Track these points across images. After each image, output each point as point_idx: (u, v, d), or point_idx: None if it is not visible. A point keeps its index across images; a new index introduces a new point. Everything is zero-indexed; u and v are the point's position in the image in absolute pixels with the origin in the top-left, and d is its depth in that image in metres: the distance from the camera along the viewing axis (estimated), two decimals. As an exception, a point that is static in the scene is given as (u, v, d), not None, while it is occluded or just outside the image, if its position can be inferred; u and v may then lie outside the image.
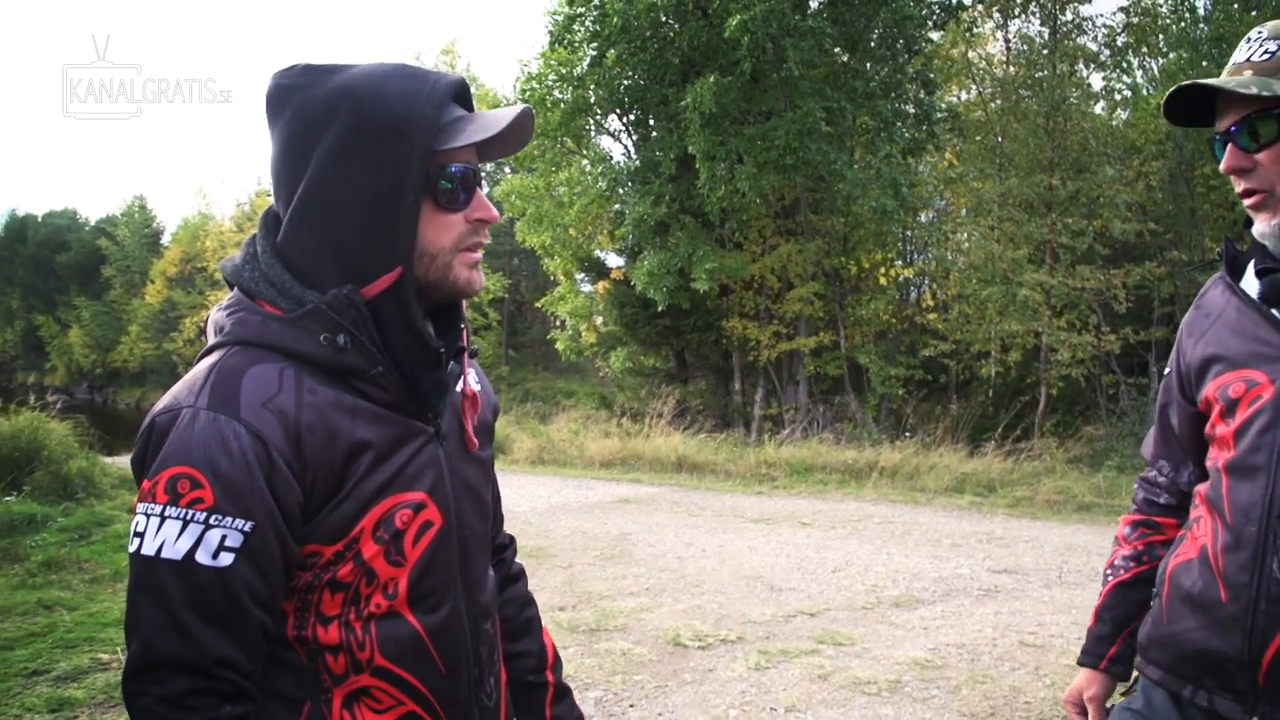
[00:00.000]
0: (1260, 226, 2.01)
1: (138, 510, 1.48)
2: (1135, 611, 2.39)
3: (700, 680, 6.25)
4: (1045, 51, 20.31)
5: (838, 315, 21.51)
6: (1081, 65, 20.73)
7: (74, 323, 64.03)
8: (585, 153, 23.27)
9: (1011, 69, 21.42)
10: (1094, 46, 20.67)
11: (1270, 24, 1.98)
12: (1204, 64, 18.34)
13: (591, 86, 20.89)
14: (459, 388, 1.78)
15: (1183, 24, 20.30)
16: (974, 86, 23.27)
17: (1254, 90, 1.89)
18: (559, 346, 27.46)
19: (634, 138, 23.34)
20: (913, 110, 20.41)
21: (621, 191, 21.73)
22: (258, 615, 1.50)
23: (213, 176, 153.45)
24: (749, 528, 11.74)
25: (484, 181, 1.70)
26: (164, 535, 1.44)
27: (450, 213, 1.62)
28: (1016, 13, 21.01)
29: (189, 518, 1.44)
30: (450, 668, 1.70)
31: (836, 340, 21.49)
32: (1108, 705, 2.43)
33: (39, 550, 9.08)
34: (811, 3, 19.45)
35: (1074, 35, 20.49)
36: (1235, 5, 19.14)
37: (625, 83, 21.07)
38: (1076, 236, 18.06)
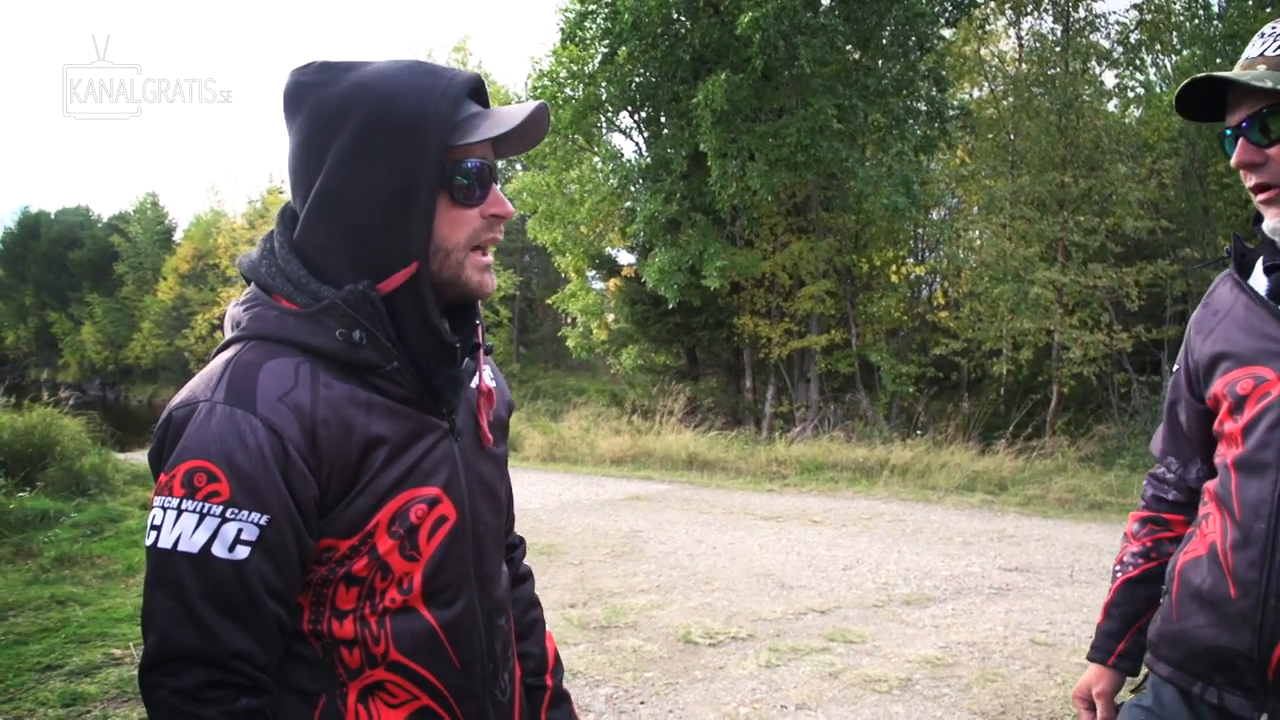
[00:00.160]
0: (1270, 222, 2.00)
1: (154, 504, 1.49)
2: (1144, 608, 2.39)
3: (711, 677, 6.26)
4: (1058, 49, 20.24)
5: (849, 313, 21.48)
6: (1094, 62, 20.66)
7: (86, 319, 64.10)
8: (596, 150, 23.24)
9: (1024, 66, 21.34)
10: (1107, 44, 20.62)
11: None
12: (1217, 61, 18.24)
13: (603, 84, 20.87)
14: (474, 384, 1.79)
15: (1196, 21, 20.22)
16: (986, 84, 23.18)
17: (1268, 84, 1.89)
18: (570, 344, 27.46)
19: (645, 135, 23.30)
20: (924, 108, 20.35)
21: (633, 189, 21.72)
22: (273, 608, 1.50)
23: (224, 173, 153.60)
24: (760, 525, 11.73)
25: (498, 177, 1.70)
26: (181, 528, 1.45)
27: (466, 208, 1.63)
28: (1029, 9, 20.94)
29: (205, 511, 1.45)
30: (465, 663, 1.70)
31: (848, 338, 21.46)
32: (1117, 701, 2.43)
33: (52, 546, 9.11)
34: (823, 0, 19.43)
35: (1087, 32, 20.42)
36: (1249, 2, 19.04)
37: (636, 80, 21.05)
38: (1089, 234, 17.99)
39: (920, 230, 24.19)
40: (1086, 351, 17.73)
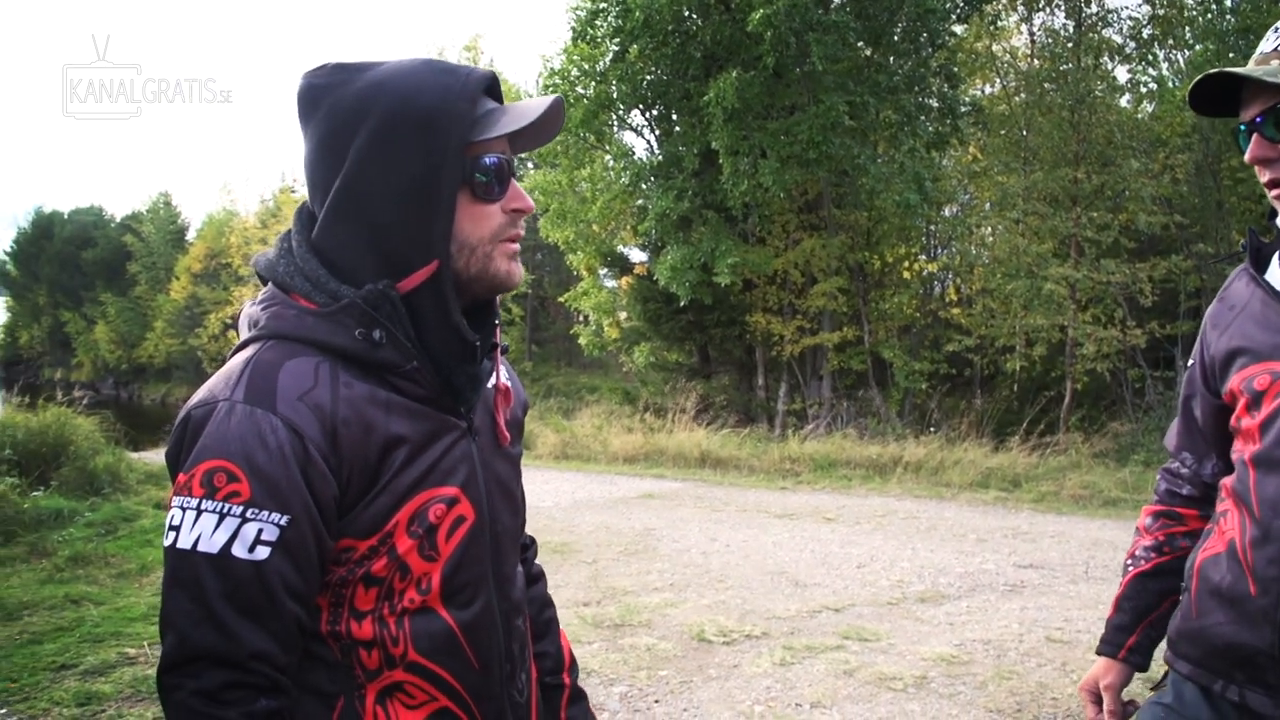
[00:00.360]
0: None
1: (173, 504, 1.48)
2: (1155, 602, 2.39)
3: (725, 676, 6.25)
4: (1070, 44, 20.18)
5: (861, 310, 21.46)
6: (1107, 58, 20.61)
7: (100, 319, 64.19)
8: (608, 148, 23.25)
9: (1036, 62, 21.27)
10: (1119, 39, 20.56)
11: None
12: (1230, 56, 18.16)
13: (614, 82, 20.86)
14: (491, 383, 1.79)
15: (1209, 15, 20.13)
16: (998, 80, 23.12)
17: None
18: (582, 342, 27.47)
19: (656, 133, 23.31)
20: (936, 104, 20.31)
21: (644, 186, 21.70)
22: (293, 609, 1.50)
23: (237, 172, 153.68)
24: (773, 523, 11.73)
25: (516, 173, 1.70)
26: (200, 528, 1.44)
27: (487, 204, 1.62)
28: (1041, 5, 20.89)
29: (225, 511, 1.44)
30: (483, 663, 1.70)
31: (860, 335, 21.43)
32: (1128, 698, 2.43)
33: (66, 545, 9.15)
34: (834, -3, 19.42)
35: (1099, 28, 20.36)
36: (1262, -4, 18.99)
37: (648, 78, 21.04)
38: (1102, 230, 17.93)
39: (932, 227, 24.13)
40: (1100, 347, 17.68)
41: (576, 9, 20.83)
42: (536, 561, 2.19)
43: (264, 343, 1.57)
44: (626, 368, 28.16)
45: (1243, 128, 2.02)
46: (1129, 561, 2.46)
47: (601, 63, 20.86)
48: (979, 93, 23.47)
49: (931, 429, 18.49)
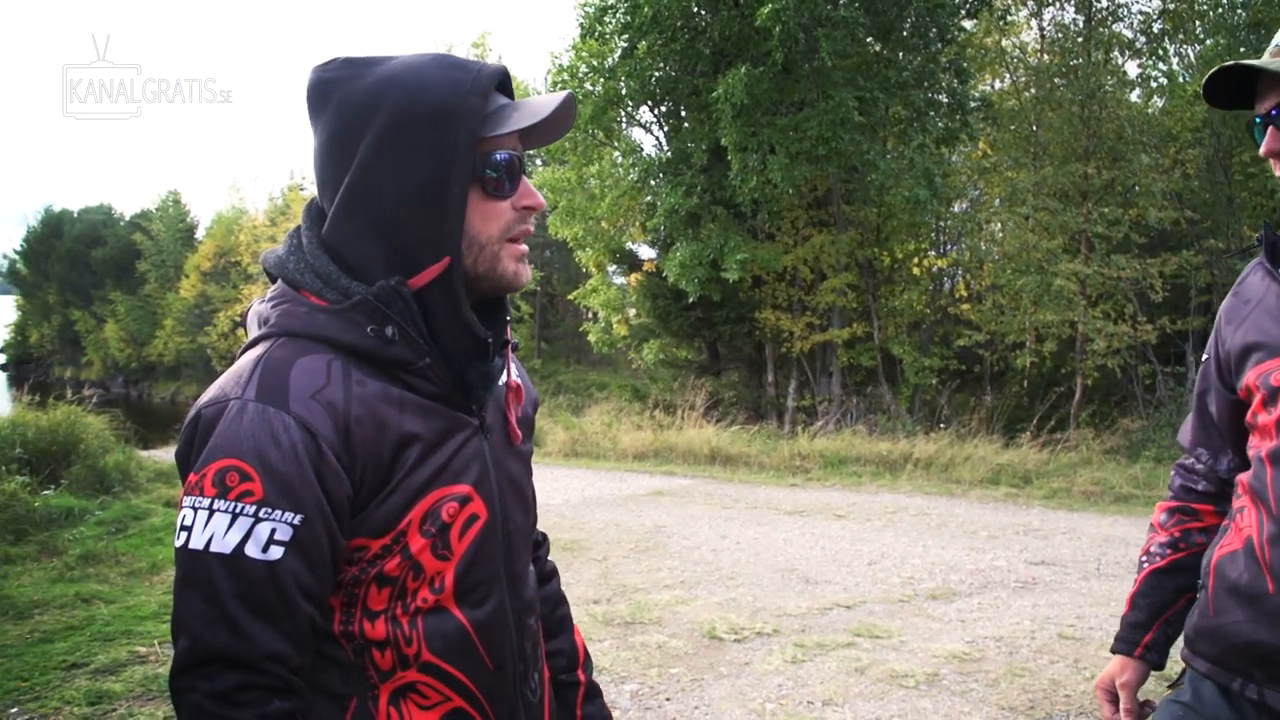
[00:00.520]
0: None
1: (184, 504, 1.47)
2: (1171, 598, 2.37)
3: (736, 674, 6.25)
4: (1080, 39, 20.16)
5: (871, 306, 21.42)
6: (1117, 52, 20.58)
7: (109, 317, 64.13)
8: (617, 144, 23.24)
9: (1046, 57, 21.26)
10: (1129, 33, 20.53)
11: None
12: (1241, 50, 18.12)
13: (623, 78, 20.84)
14: (502, 380, 1.78)
15: (1220, 9, 20.09)
16: (1008, 75, 23.09)
17: None
18: (591, 339, 27.48)
19: (665, 129, 23.29)
20: (946, 100, 20.25)
21: (653, 183, 21.71)
22: (306, 609, 1.49)
23: (246, 171, 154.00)
24: (783, 520, 11.71)
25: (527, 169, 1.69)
26: (213, 528, 1.43)
27: (498, 200, 1.61)
28: (1051, 0, 20.89)
29: (238, 510, 1.43)
30: (496, 663, 1.69)
31: (870, 331, 21.40)
32: (1143, 696, 2.41)
33: (76, 544, 9.17)
34: (843, -8, 19.39)
35: (1109, 22, 20.33)
36: (1274, -11, 18.94)
37: (656, 74, 21.04)
38: (1112, 225, 17.89)
39: (942, 223, 24.10)
40: (1110, 343, 17.65)
41: (585, 5, 20.80)
42: (549, 559, 2.18)
43: (274, 340, 1.56)
44: (636, 365, 28.15)
45: (1258, 120, 2.01)
46: (1144, 558, 2.44)
47: (610, 59, 20.88)
48: (989, 88, 23.43)
49: (942, 425, 18.45)
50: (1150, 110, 21.42)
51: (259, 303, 1.65)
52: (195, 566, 1.44)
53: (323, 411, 1.48)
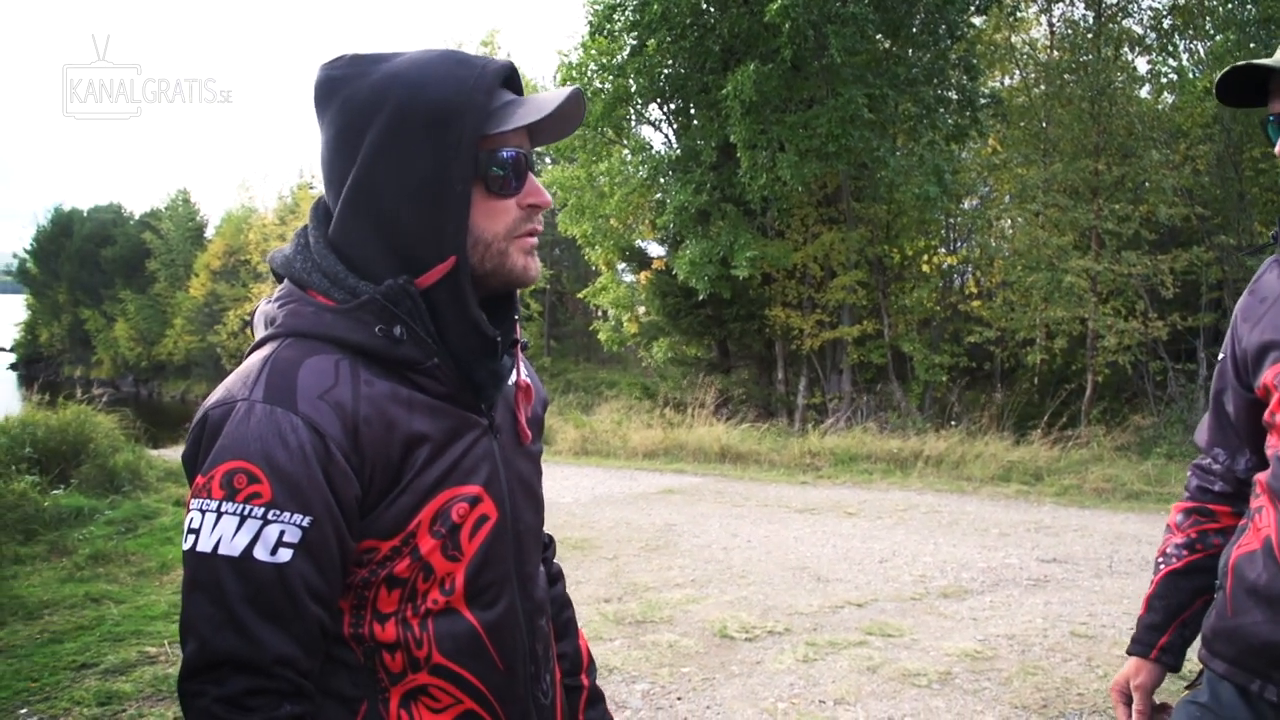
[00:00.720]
0: None
1: (192, 506, 1.46)
2: (1188, 600, 2.35)
3: (748, 673, 6.23)
4: (1090, 35, 20.14)
5: (881, 303, 21.40)
6: (1126, 49, 20.55)
7: (119, 316, 64.29)
8: (626, 142, 23.24)
9: (1055, 53, 21.23)
10: (1139, 29, 20.51)
11: None
12: (1251, 46, 18.09)
13: (632, 75, 20.81)
14: (512, 380, 1.76)
15: (1230, 5, 20.02)
16: (1017, 72, 23.07)
17: None
18: (601, 337, 27.49)
19: (675, 126, 23.28)
20: (955, 96, 20.23)
21: (662, 180, 21.70)
22: (316, 612, 1.47)
23: (255, 169, 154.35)
24: (794, 518, 11.70)
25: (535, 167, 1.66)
26: (220, 531, 1.42)
27: (503, 198, 1.59)
28: (1060, -4, 20.88)
29: (246, 513, 1.42)
30: (508, 664, 1.68)
31: (880, 328, 21.37)
32: (1161, 699, 2.39)
33: (86, 543, 9.17)
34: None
35: (1119, 18, 20.32)
36: (1284, -15, 18.89)
37: (666, 71, 21.04)
38: (1122, 222, 17.86)
39: (952, 220, 24.10)
40: (1121, 340, 17.61)
41: (594, 3, 20.78)
42: (555, 560, 2.17)
43: (282, 340, 1.55)
44: (645, 362, 28.16)
45: (1271, 119, 2.00)
46: (1160, 559, 2.42)
47: (619, 56, 20.83)
48: (998, 85, 23.41)
49: (952, 422, 18.44)
50: (1160, 106, 21.40)
51: (266, 303, 1.64)
52: (203, 569, 1.43)
53: (330, 412, 1.47)
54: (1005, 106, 21.19)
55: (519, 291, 1.74)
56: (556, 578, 2.14)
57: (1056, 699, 5.69)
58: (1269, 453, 2.11)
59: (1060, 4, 21.14)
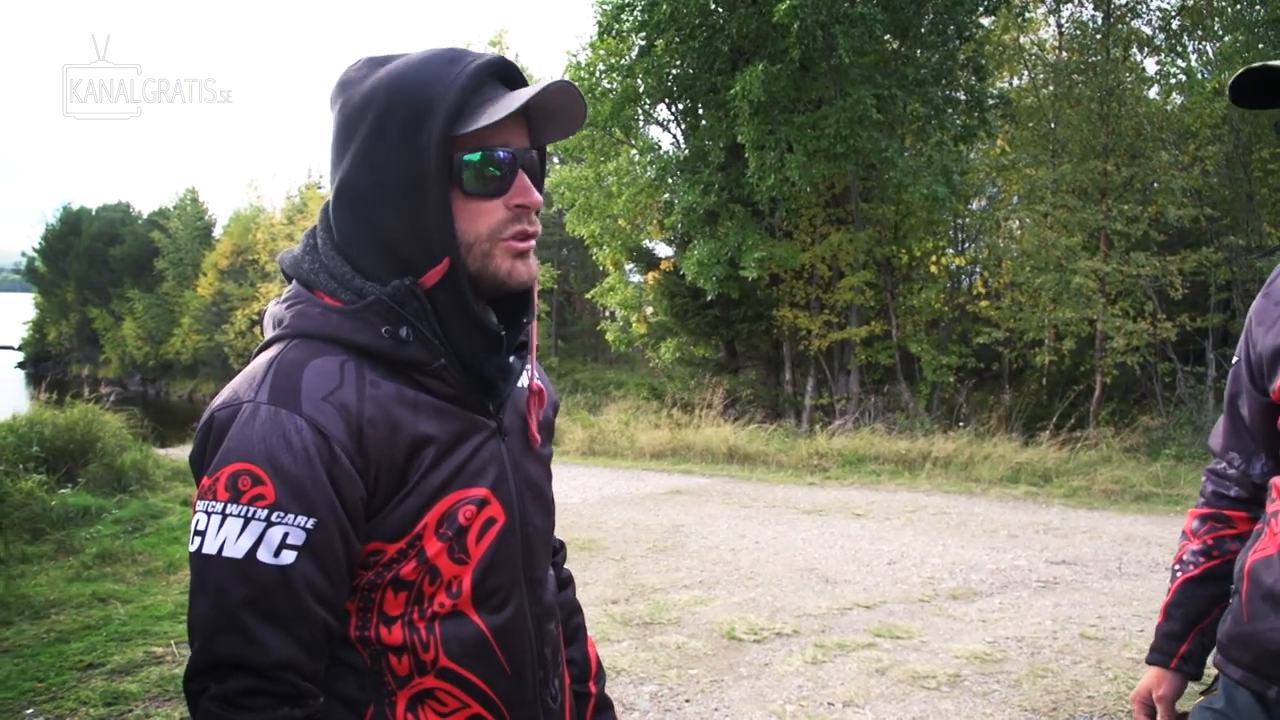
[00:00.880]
0: None
1: (197, 508, 1.46)
2: (1206, 608, 2.32)
3: (756, 675, 6.22)
4: (1099, 36, 20.11)
5: (889, 304, 21.38)
6: (1135, 49, 20.52)
7: (127, 315, 64.39)
8: (634, 142, 23.24)
9: (1064, 54, 21.22)
10: (1148, 30, 20.49)
11: None
12: (1260, 47, 18.05)
13: (640, 76, 20.81)
14: (524, 383, 1.75)
15: (1238, 6, 19.98)
16: (1026, 72, 23.07)
17: None
18: (609, 337, 27.48)
19: (683, 127, 23.27)
20: (964, 97, 20.21)
21: (670, 181, 21.71)
22: (321, 614, 1.47)
23: (263, 169, 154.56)
24: (802, 519, 11.68)
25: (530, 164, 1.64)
26: (225, 534, 1.42)
27: (484, 199, 1.56)
28: (1069, -3, 20.86)
29: (250, 515, 1.42)
30: (515, 668, 1.66)
31: (888, 329, 21.36)
32: (1178, 707, 2.37)
33: (93, 543, 9.18)
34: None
35: (1128, 19, 20.29)
36: (1294, -14, 18.85)
37: (674, 71, 21.03)
38: (1131, 223, 17.83)
39: (960, 220, 24.07)
40: (1130, 341, 17.59)
41: (603, 3, 20.78)
42: (565, 566, 2.16)
43: (288, 342, 1.55)
44: (653, 363, 28.13)
45: (1283, 121, 1.98)
46: (1176, 567, 2.40)
47: (628, 57, 20.85)
48: (1007, 85, 23.39)
49: (960, 424, 18.40)
50: (1169, 107, 21.36)
51: (274, 304, 1.64)
52: (207, 571, 1.43)
53: (335, 413, 1.47)
54: (1014, 107, 21.16)
55: (536, 291, 1.71)
56: (566, 583, 2.13)
57: (1066, 701, 5.67)
58: (1284, 456, 2.10)
59: (1069, 5, 21.14)
